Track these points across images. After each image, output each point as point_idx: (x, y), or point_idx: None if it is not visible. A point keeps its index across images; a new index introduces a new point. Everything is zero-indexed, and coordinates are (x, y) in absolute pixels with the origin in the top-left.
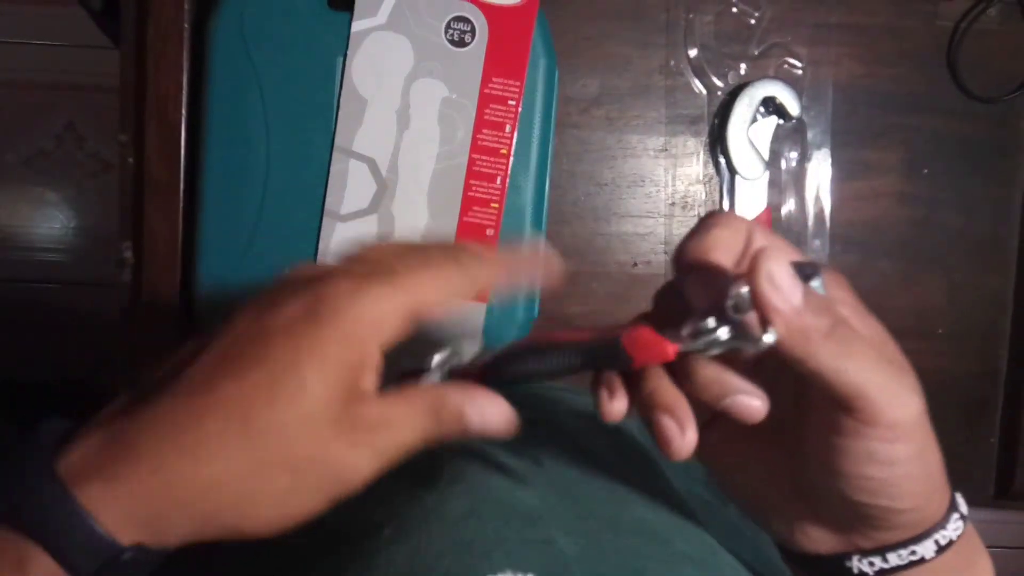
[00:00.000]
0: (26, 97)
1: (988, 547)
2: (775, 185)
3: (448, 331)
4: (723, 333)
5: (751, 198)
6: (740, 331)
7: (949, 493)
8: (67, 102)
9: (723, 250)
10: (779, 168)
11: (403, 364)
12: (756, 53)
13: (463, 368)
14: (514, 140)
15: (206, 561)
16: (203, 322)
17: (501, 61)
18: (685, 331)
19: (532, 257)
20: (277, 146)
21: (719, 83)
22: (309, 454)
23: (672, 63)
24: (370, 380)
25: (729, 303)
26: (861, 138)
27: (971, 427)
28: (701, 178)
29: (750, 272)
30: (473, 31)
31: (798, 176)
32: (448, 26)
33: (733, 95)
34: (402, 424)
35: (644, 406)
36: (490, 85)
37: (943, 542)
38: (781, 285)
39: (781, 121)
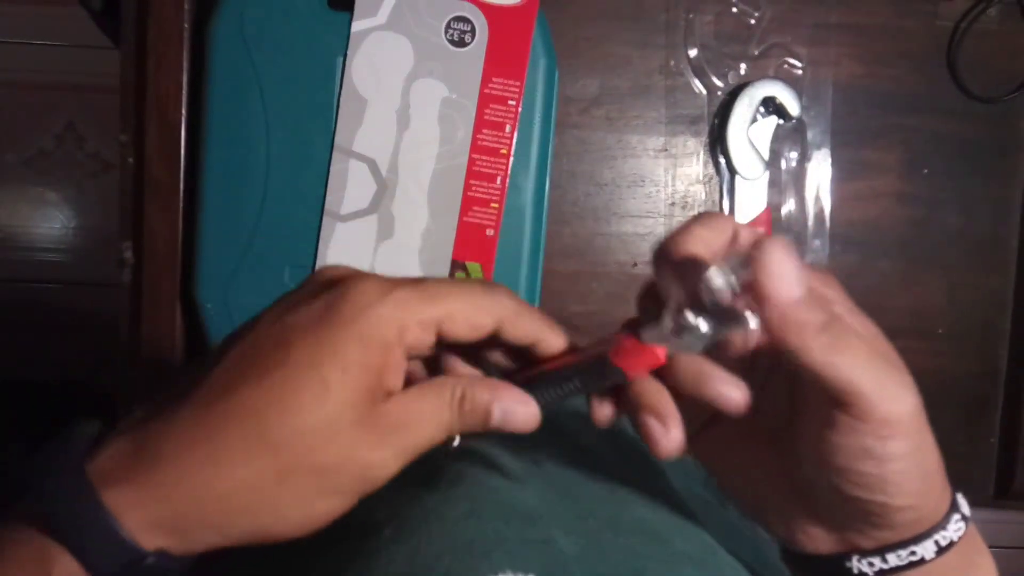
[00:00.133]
0: (26, 97)
1: (988, 547)
2: (775, 185)
3: None
4: (702, 324)
5: (751, 198)
6: (719, 317)
7: (950, 493)
8: (67, 102)
9: (702, 246)
10: (779, 168)
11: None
12: (756, 53)
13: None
14: (514, 140)
15: (206, 560)
16: (203, 322)
17: (501, 61)
18: (664, 327)
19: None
20: (277, 146)
21: (719, 83)
22: (333, 457)
23: (672, 63)
24: (394, 380)
25: (702, 286)
26: (861, 138)
27: (971, 427)
28: (701, 178)
29: (753, 259)
30: (473, 31)
31: (798, 176)
32: (448, 26)
33: (733, 95)
34: (426, 420)
35: (630, 407)
36: (490, 85)
37: (943, 543)
38: (784, 276)
39: (781, 121)
